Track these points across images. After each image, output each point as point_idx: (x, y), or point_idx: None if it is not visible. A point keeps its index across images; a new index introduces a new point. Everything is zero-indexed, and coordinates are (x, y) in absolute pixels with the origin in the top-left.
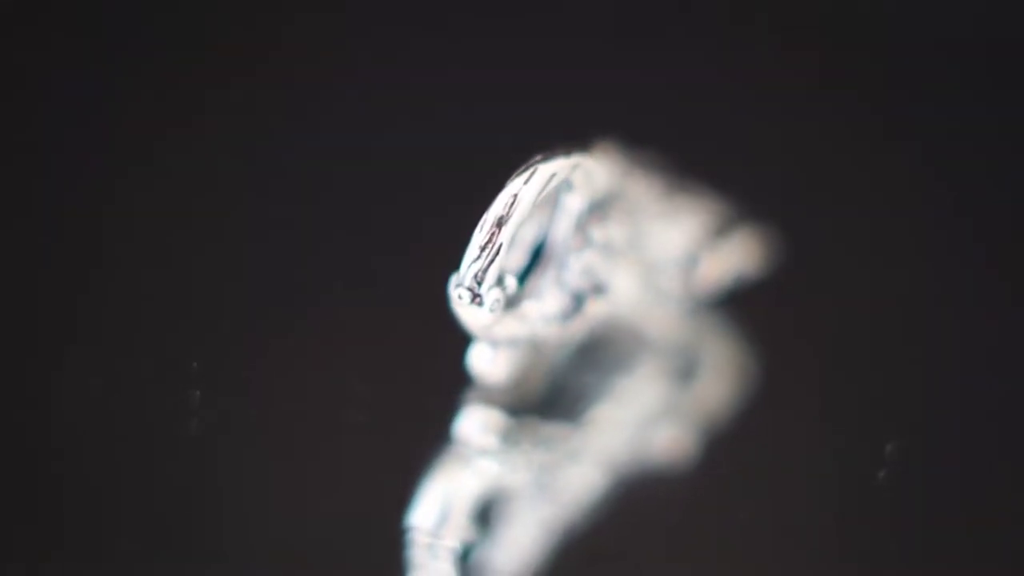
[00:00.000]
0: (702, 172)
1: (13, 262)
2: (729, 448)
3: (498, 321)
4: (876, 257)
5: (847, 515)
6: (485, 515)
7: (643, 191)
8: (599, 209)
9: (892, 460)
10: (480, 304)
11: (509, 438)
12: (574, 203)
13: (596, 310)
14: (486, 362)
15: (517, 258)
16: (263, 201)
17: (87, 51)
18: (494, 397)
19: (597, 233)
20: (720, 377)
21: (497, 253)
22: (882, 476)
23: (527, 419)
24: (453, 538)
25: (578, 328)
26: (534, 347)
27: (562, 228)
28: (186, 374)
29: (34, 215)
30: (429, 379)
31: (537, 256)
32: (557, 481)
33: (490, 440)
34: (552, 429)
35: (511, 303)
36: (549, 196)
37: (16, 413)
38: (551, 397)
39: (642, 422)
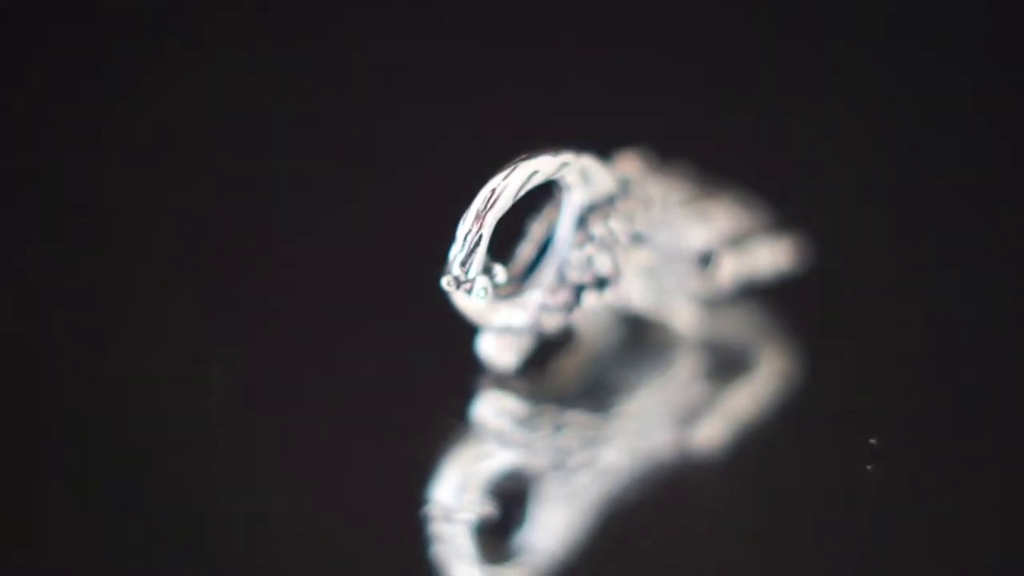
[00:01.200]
0: (729, 177)
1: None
2: (761, 443)
3: (489, 307)
4: (908, 257)
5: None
6: (504, 493)
7: (664, 193)
8: (601, 207)
9: (877, 453)
10: (469, 291)
11: (526, 422)
12: (574, 200)
13: (598, 302)
14: (492, 348)
15: (527, 252)
16: (272, 200)
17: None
18: (510, 382)
19: (598, 229)
20: (755, 374)
21: (477, 243)
22: (870, 468)
23: (546, 405)
24: (471, 513)
25: (580, 319)
26: (579, 340)
27: (565, 224)
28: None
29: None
30: (448, 362)
31: (544, 250)
32: (580, 465)
33: (506, 423)
34: (576, 416)
35: (502, 290)
36: (538, 191)
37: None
38: (586, 387)
39: (672, 416)
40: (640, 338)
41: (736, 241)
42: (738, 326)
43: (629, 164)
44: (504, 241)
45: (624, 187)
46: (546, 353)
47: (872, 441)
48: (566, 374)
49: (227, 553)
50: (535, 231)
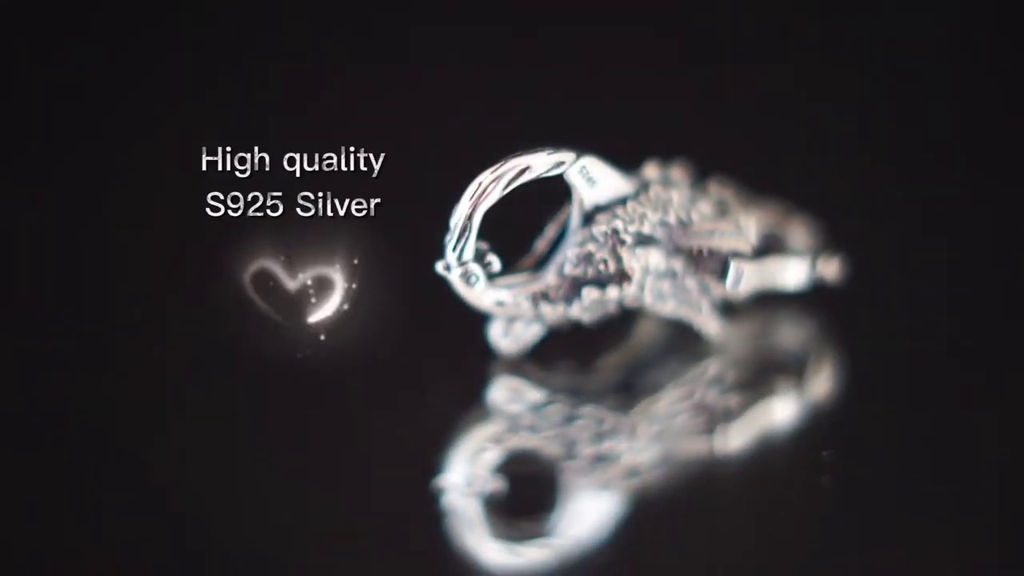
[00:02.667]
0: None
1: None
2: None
3: (483, 292)
4: (947, 271)
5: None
6: (512, 475)
7: (688, 200)
8: (610, 207)
9: (829, 465)
10: (461, 276)
11: (537, 409)
12: (580, 199)
13: (600, 298)
14: (498, 335)
15: (541, 247)
16: (280, 195)
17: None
18: (525, 369)
19: (601, 228)
20: (787, 383)
21: (466, 232)
22: (825, 480)
23: (561, 396)
24: (481, 490)
25: (579, 312)
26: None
27: (573, 222)
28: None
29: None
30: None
31: (555, 245)
32: (590, 458)
33: (518, 407)
34: (593, 410)
35: (506, 279)
36: (559, 190)
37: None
38: (615, 384)
39: (694, 420)
40: (683, 342)
41: (762, 252)
42: (773, 335)
43: (652, 170)
44: (523, 237)
45: (642, 190)
46: (591, 349)
47: (825, 454)
48: (604, 371)
49: (243, 528)
50: (550, 228)
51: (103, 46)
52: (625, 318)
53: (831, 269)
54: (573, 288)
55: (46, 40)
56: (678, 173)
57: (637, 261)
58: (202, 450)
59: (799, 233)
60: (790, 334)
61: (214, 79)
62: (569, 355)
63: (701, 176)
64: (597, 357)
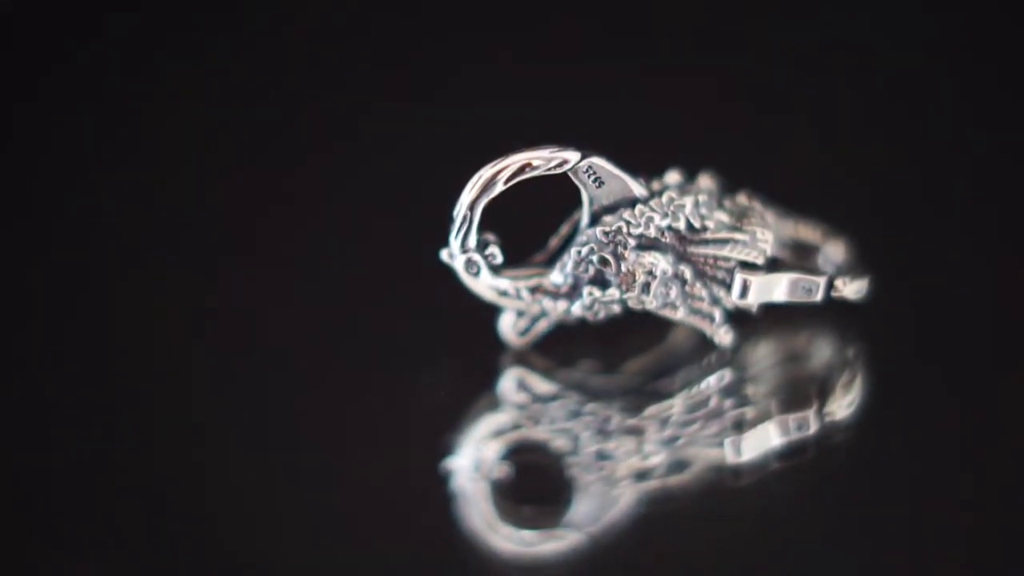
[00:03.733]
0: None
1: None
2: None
3: (483, 281)
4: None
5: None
6: (519, 464)
7: (704, 207)
8: (617, 208)
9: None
10: (464, 266)
11: (544, 401)
12: (588, 199)
13: (600, 298)
14: (506, 327)
15: (554, 244)
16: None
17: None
18: (537, 361)
19: (603, 229)
20: (799, 396)
21: (464, 223)
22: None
23: (571, 391)
24: (489, 475)
25: (581, 311)
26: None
27: (582, 221)
28: None
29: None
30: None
31: (566, 243)
32: (592, 455)
33: (524, 397)
34: (599, 408)
35: (511, 271)
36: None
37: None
38: (630, 385)
39: (702, 426)
40: (710, 351)
41: (775, 263)
42: (800, 351)
43: (673, 175)
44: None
45: (656, 195)
46: (618, 352)
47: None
48: (625, 373)
49: (247, 514)
50: (565, 226)
51: (102, 46)
52: (658, 324)
53: (853, 288)
54: (574, 286)
55: (45, 43)
56: (704, 180)
57: (639, 264)
58: (205, 441)
59: (833, 250)
60: (817, 351)
61: (214, 79)
62: (593, 355)
63: (736, 185)
64: (622, 360)
